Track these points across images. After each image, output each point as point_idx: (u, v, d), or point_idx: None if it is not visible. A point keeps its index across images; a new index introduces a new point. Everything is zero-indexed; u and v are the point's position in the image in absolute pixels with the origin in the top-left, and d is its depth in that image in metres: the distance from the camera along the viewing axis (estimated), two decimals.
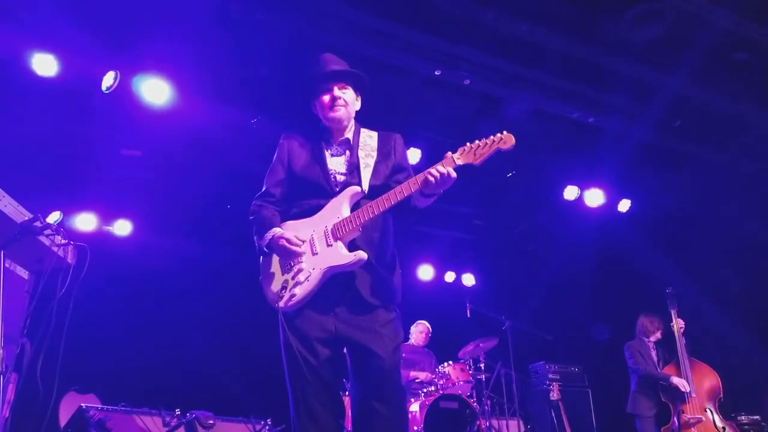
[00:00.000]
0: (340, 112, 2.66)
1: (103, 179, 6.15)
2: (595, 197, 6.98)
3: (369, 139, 2.72)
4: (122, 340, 6.26)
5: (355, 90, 2.76)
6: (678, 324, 5.45)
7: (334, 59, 2.73)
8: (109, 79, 4.93)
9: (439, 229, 7.94)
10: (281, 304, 2.45)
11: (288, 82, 5.34)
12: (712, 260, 6.73)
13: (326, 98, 2.66)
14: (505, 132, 2.53)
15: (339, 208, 2.53)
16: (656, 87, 5.60)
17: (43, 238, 2.55)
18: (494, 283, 8.85)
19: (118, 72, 4.91)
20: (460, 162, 2.49)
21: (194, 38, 4.73)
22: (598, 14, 4.84)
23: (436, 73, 5.25)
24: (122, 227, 6.66)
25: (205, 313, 6.86)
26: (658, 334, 5.84)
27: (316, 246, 2.49)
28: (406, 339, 6.67)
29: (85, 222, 6.36)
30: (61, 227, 2.62)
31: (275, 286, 2.52)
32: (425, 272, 8.46)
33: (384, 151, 2.71)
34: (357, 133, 2.72)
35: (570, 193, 6.97)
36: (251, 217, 2.68)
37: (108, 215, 6.57)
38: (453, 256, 8.71)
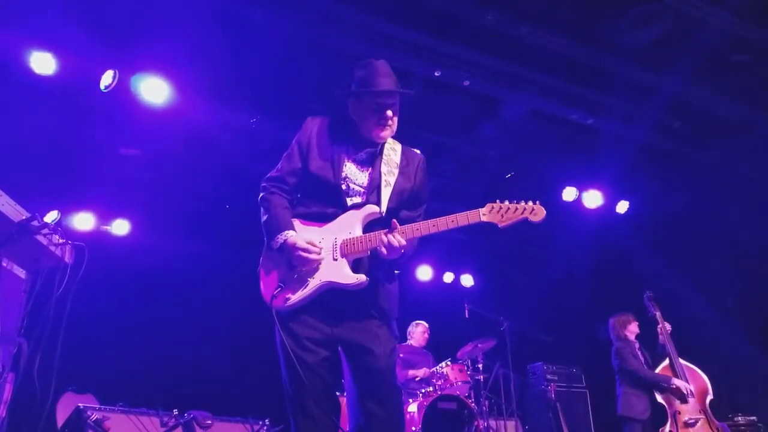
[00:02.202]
0: (387, 133, 2.57)
1: (102, 178, 6.14)
2: (593, 198, 6.98)
3: (393, 153, 2.64)
4: (120, 340, 6.24)
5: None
6: (666, 327, 5.44)
7: (388, 72, 2.56)
8: (107, 78, 4.92)
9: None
10: (275, 303, 2.43)
11: (287, 82, 5.34)
12: (710, 262, 6.74)
13: (377, 117, 2.52)
14: (537, 203, 2.52)
15: (353, 224, 2.48)
16: (655, 89, 5.61)
17: (40, 238, 2.54)
18: (493, 284, 8.85)
19: (116, 71, 4.90)
20: (485, 219, 2.48)
21: (193, 38, 4.72)
22: (597, 16, 4.84)
23: (436, 74, 5.25)
24: (120, 227, 6.65)
25: (203, 313, 6.86)
26: (634, 327, 5.78)
27: (322, 256, 2.46)
28: (402, 340, 6.67)
29: (83, 221, 6.34)
30: (58, 226, 2.62)
31: (272, 283, 2.49)
32: (424, 273, 8.47)
33: (406, 171, 2.63)
34: (383, 145, 2.63)
35: (568, 194, 6.98)
36: (261, 200, 2.61)
37: (106, 215, 6.56)
38: (451, 256, 8.71)
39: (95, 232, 6.41)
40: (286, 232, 2.45)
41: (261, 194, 2.62)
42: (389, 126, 2.56)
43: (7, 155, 5.01)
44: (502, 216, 2.48)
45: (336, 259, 2.44)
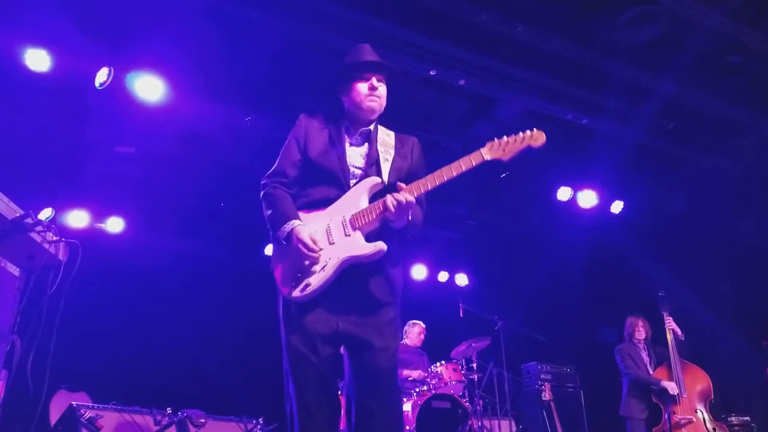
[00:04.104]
0: (375, 103, 2.61)
1: (96, 176, 6.12)
2: (588, 198, 7.00)
3: (387, 137, 2.67)
4: (114, 338, 6.23)
5: (387, 84, 2.70)
6: (670, 326, 5.51)
7: (372, 52, 2.66)
8: (102, 76, 4.91)
9: (433, 228, 7.95)
10: (295, 293, 2.39)
11: (282, 80, 5.34)
12: (704, 262, 6.77)
13: (363, 87, 2.59)
14: (535, 129, 2.53)
15: (357, 198, 2.47)
16: (650, 89, 5.63)
17: (34, 235, 2.53)
18: (487, 284, 8.86)
19: (111, 68, 4.89)
20: (488, 157, 2.48)
21: (189, 36, 4.72)
22: (592, 16, 4.86)
23: (431, 73, 5.25)
24: (115, 224, 6.63)
25: (198, 311, 6.84)
26: (639, 329, 5.90)
27: (333, 236, 2.43)
28: (401, 338, 6.68)
29: (77, 219, 6.32)
30: (52, 224, 2.60)
31: (288, 274, 2.44)
32: (418, 272, 8.47)
33: (402, 152, 2.66)
34: (376, 129, 2.67)
35: (563, 194, 6.99)
36: (263, 197, 2.60)
37: (100, 212, 6.54)
38: (446, 255, 8.72)
39: (89, 230, 6.39)
40: (292, 221, 2.45)
41: (262, 192, 2.61)
42: (377, 97, 2.60)
43: (1, 152, 4.99)
44: (504, 150, 2.49)
45: (349, 235, 2.42)
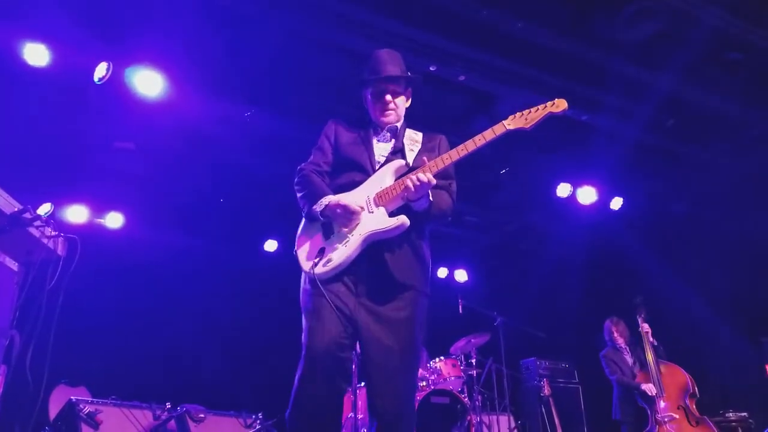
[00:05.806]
0: (389, 118, 2.71)
1: (95, 171, 6.12)
2: (587, 195, 7.00)
3: (414, 135, 2.75)
4: (113, 333, 6.24)
5: (406, 90, 2.80)
6: (644, 329, 5.64)
7: (392, 58, 2.74)
8: (101, 71, 4.89)
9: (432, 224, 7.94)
10: (318, 269, 2.42)
11: (282, 75, 5.33)
12: (703, 258, 6.78)
13: (377, 101, 2.71)
14: (556, 99, 2.57)
15: (382, 179, 2.53)
16: (650, 86, 5.62)
17: (33, 230, 2.53)
18: (486, 280, 8.88)
19: (110, 63, 4.87)
20: (511, 127, 2.51)
21: (188, 30, 4.70)
22: (592, 13, 4.85)
23: (431, 69, 5.24)
24: (114, 220, 6.64)
25: (197, 307, 6.85)
26: (617, 333, 6.05)
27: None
28: None
29: (76, 214, 6.32)
30: (51, 219, 2.60)
31: (312, 252, 2.50)
32: None
33: (428, 146, 2.72)
34: (403, 128, 2.77)
35: (562, 190, 6.99)
36: (298, 180, 2.66)
37: (99, 207, 6.54)
38: (445, 252, 8.72)
39: (89, 225, 6.39)
40: (329, 196, 2.51)
41: (297, 177, 2.68)
42: (391, 110, 2.69)
43: (0, 147, 4.98)
44: (526, 119, 2.53)
45: (372, 212, 2.47)
